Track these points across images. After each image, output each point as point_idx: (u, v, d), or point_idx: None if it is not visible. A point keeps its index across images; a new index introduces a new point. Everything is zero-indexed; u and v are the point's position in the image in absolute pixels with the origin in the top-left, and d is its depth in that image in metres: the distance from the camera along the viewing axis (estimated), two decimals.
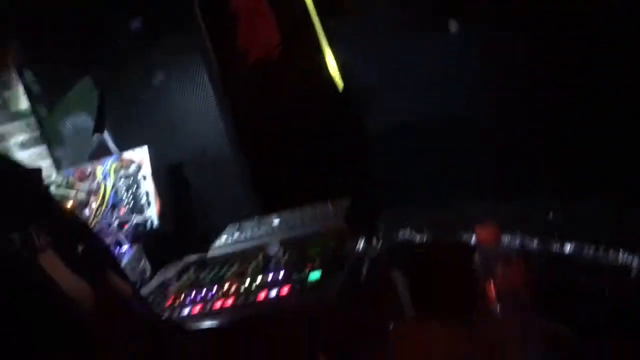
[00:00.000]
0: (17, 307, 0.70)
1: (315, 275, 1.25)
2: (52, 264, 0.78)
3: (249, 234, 1.55)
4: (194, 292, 1.36)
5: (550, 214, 1.31)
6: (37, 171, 0.95)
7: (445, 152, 1.69)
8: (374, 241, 1.54)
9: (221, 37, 1.97)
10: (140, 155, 1.68)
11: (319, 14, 1.97)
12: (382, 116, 1.85)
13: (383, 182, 1.73)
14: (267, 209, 1.69)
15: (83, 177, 1.68)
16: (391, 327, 1.25)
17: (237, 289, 1.31)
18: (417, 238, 1.56)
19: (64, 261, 0.80)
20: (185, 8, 1.85)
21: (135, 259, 1.60)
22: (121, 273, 1.05)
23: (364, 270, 1.39)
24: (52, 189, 1.70)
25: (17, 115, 1.98)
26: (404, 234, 1.57)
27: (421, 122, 1.75)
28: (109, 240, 1.64)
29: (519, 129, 1.51)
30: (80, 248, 0.87)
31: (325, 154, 1.88)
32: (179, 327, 1.23)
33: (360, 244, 1.45)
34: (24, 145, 2.05)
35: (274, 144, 1.93)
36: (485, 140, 1.57)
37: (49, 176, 1.76)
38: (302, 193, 1.71)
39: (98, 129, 1.58)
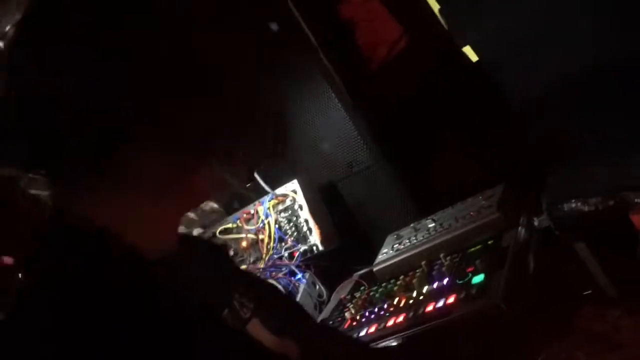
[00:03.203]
0: None
1: (478, 278, 1.24)
2: (258, 331, 0.84)
3: (407, 242, 1.57)
4: (367, 311, 1.42)
5: None
6: (224, 246, 1.06)
7: (598, 111, 1.57)
8: (537, 222, 1.48)
9: (339, 50, 2.02)
10: (292, 188, 1.79)
11: None
12: (523, 85, 1.76)
13: (534, 158, 1.65)
14: (422, 212, 1.71)
15: (248, 219, 1.83)
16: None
17: (406, 302, 1.34)
18: (586, 208, 1.47)
19: (265, 325, 0.86)
20: (296, 34, 1.91)
21: (310, 285, 1.71)
22: (308, 317, 1.11)
23: (531, 260, 1.35)
24: (226, 234, 1.87)
25: None
26: (571, 205, 1.48)
27: (566, 82, 1.65)
28: (283, 271, 1.77)
29: None
30: (276, 309, 0.94)
31: (470, 140, 1.84)
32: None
33: (521, 232, 1.40)
34: None
35: (416, 142, 1.93)
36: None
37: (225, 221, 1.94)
38: (453, 189, 1.69)
39: (249, 178, 1.71)
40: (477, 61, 1.87)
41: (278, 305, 0.96)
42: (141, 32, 0.70)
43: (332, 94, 1.87)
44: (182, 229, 1.98)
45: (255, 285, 1.00)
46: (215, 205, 2.19)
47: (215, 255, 0.94)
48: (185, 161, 0.74)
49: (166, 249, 0.78)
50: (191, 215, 2.28)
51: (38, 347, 0.62)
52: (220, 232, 1.89)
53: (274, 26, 1.89)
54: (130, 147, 0.71)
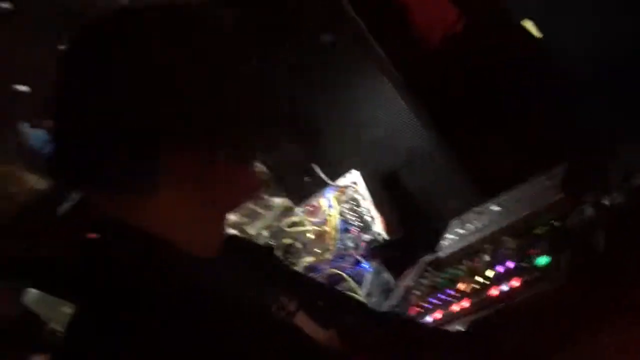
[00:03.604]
0: None
1: (542, 260, 1.22)
2: (305, 323, 0.88)
3: (472, 226, 1.56)
4: (432, 298, 1.43)
5: None
6: (271, 248, 1.10)
7: None
8: (608, 200, 1.44)
9: (391, 36, 2.01)
10: (352, 178, 1.81)
11: None
12: (587, 54, 1.71)
13: (596, 132, 1.60)
14: (485, 195, 1.69)
15: (313, 211, 1.87)
16: None
17: (471, 287, 1.34)
18: None
19: (312, 318, 0.90)
20: (343, 22, 1.92)
21: (377, 273, 1.73)
22: (362, 310, 1.14)
23: (601, 240, 1.31)
24: (293, 227, 1.92)
25: None
26: None
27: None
28: (350, 260, 1.80)
29: None
30: (320, 303, 0.98)
31: (531, 119, 1.80)
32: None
33: (588, 211, 1.37)
34: None
35: (476, 125, 1.90)
36: None
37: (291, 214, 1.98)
38: (515, 170, 1.66)
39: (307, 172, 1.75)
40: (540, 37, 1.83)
41: (323, 299, 0.99)
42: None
43: (387, 81, 1.87)
44: (247, 223, 2.06)
45: (299, 281, 1.03)
46: (280, 200, 2.24)
47: (259, 255, 0.98)
48: (220, 161, 0.77)
49: (210, 250, 0.81)
50: (259, 209, 2.35)
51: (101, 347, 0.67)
52: (288, 226, 1.94)
53: (328, 37, 1.91)
54: (165, 149, 0.73)
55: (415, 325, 1.29)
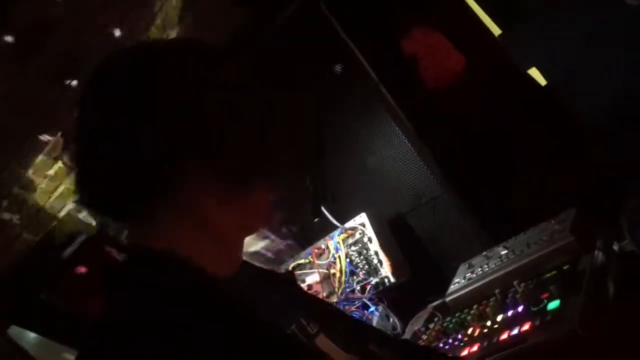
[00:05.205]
0: None
1: (553, 304, 1.21)
2: (326, 345, 0.89)
3: (481, 271, 1.55)
4: (441, 342, 1.40)
5: None
6: (291, 273, 1.11)
7: None
8: (617, 247, 1.43)
9: (402, 83, 2.04)
10: (360, 222, 1.81)
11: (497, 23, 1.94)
12: (594, 102, 1.73)
13: (608, 179, 1.60)
14: (493, 239, 1.68)
15: (320, 254, 1.86)
16: None
17: (480, 332, 1.32)
18: None
19: (333, 341, 0.91)
20: (357, 70, 1.96)
21: (384, 317, 1.71)
22: (380, 337, 1.14)
23: (611, 286, 1.30)
24: (299, 269, 1.91)
25: None
26: None
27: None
28: (356, 304, 1.78)
29: None
30: (340, 327, 0.99)
31: (538, 164, 1.80)
32: None
33: (599, 256, 1.36)
34: None
35: (484, 170, 1.91)
36: None
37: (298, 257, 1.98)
38: (524, 214, 1.66)
39: (315, 213, 1.75)
40: (545, 85, 1.86)
41: (342, 324, 0.99)
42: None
43: (396, 127, 1.89)
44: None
45: (318, 305, 1.03)
46: (290, 242, 2.24)
47: (281, 282, 0.98)
48: (237, 186, 0.79)
49: (231, 270, 0.83)
50: (268, 254, 2.35)
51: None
52: (294, 268, 1.93)
53: (337, 68, 1.95)
54: (186, 175, 0.76)
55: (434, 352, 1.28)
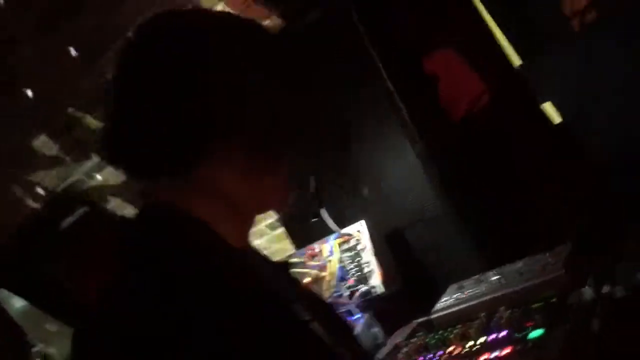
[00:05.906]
0: None
1: (537, 332, 1.22)
2: (321, 332, 0.89)
3: (470, 292, 1.56)
4: (421, 356, 1.41)
5: None
6: (288, 263, 1.12)
7: None
8: (607, 289, 1.43)
9: (418, 101, 2.06)
10: (358, 229, 1.82)
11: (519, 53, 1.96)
12: (604, 140, 1.74)
13: (609, 217, 1.61)
14: (488, 264, 1.69)
15: (313, 256, 1.87)
16: None
17: (461, 351, 1.33)
18: None
19: (325, 331, 0.91)
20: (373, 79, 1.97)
21: (367, 326, 1.72)
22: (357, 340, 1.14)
23: (596, 324, 1.30)
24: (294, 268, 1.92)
25: None
26: None
27: None
28: (342, 310, 1.78)
29: None
30: (333, 322, 0.99)
31: (543, 194, 1.82)
32: None
33: (588, 293, 1.36)
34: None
35: (487, 195, 1.92)
36: None
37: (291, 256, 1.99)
38: (522, 244, 1.67)
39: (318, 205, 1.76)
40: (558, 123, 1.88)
41: (332, 318, 0.99)
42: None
43: (407, 142, 1.90)
44: None
45: (311, 295, 1.04)
46: (284, 242, 2.25)
47: (279, 266, 0.99)
48: (262, 163, 0.81)
49: (242, 243, 0.84)
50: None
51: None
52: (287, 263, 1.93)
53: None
54: (216, 144, 0.77)
55: None
